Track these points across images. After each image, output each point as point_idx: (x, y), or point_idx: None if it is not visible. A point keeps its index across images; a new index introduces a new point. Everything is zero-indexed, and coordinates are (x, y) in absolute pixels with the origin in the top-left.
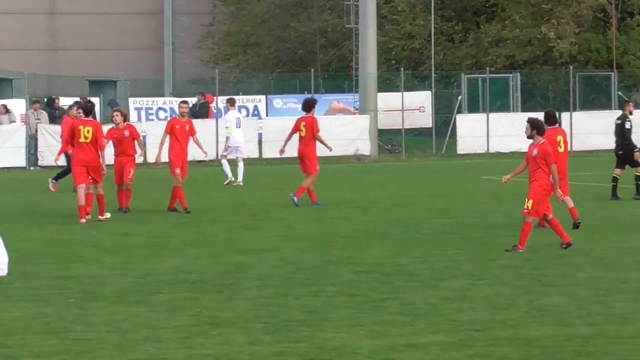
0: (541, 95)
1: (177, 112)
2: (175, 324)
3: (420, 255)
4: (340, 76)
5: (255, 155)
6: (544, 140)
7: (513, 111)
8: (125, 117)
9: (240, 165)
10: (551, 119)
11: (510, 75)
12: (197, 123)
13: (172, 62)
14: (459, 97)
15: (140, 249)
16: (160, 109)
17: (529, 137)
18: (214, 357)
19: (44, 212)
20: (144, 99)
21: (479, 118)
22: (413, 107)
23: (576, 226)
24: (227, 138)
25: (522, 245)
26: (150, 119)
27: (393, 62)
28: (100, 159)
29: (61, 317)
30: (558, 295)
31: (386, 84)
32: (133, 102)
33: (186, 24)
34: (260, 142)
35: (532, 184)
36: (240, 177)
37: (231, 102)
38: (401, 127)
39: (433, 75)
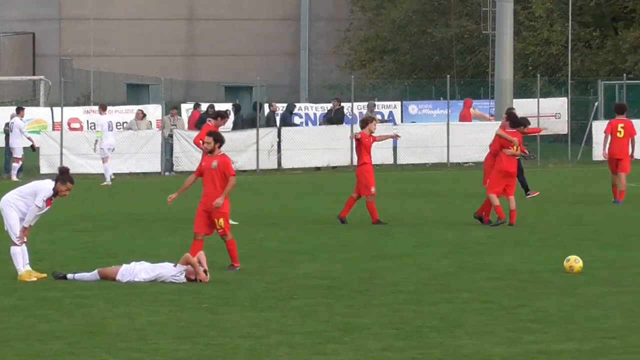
0: None
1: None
2: (308, 329)
3: (555, 262)
4: (476, 82)
5: (390, 161)
6: (223, 152)
7: None
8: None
9: (106, 165)
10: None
11: None
12: (332, 129)
13: (309, 68)
14: (596, 104)
15: (274, 254)
16: (295, 114)
17: (210, 152)
18: None
19: (178, 218)
20: (280, 105)
21: None
22: (549, 113)
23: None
24: (96, 141)
25: (237, 262)
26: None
27: (529, 68)
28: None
29: (195, 322)
30: None
31: (522, 90)
32: (268, 107)
33: (323, 29)
34: (395, 149)
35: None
36: (108, 178)
37: (103, 108)
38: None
39: (569, 81)
